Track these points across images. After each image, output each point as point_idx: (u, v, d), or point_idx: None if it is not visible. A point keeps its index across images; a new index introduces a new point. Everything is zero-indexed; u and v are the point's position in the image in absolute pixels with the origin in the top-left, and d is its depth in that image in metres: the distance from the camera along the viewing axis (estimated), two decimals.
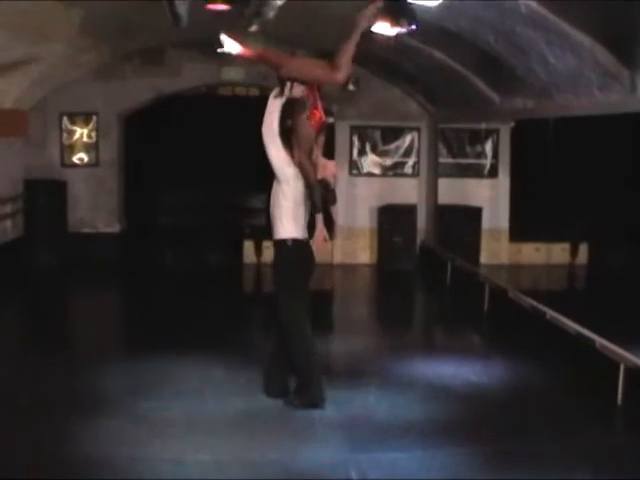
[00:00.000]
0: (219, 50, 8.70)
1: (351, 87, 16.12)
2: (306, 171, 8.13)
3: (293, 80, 8.22)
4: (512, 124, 17.01)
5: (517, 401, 9.02)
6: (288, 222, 8.21)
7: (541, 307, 11.09)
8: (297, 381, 8.52)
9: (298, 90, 8.25)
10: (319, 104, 8.29)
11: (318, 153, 8.34)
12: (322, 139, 8.43)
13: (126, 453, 7.19)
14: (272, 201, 8.31)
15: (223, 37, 8.51)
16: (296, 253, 8.29)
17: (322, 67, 8.33)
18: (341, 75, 8.08)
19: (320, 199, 8.16)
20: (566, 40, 9.00)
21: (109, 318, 13.41)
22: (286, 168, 8.15)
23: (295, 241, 8.24)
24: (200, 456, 7.17)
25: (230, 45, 8.50)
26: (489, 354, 11.05)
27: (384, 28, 9.89)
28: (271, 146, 8.15)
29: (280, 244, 8.32)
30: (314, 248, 8.31)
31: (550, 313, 10.75)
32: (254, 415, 8.21)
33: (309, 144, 8.22)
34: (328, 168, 8.36)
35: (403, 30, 9.59)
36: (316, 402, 8.34)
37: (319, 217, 8.27)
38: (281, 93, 8.21)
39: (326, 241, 8.42)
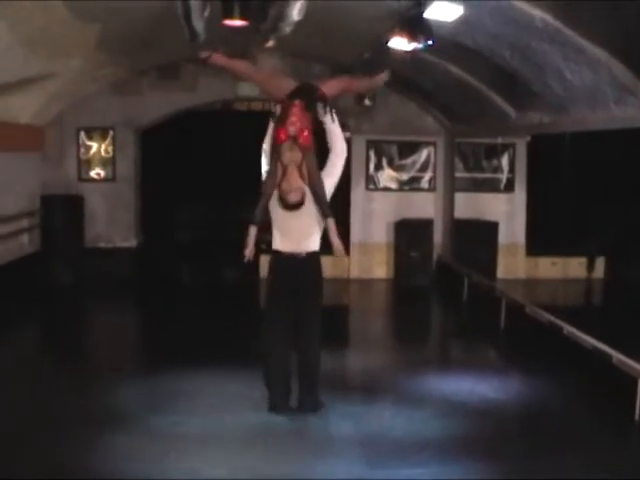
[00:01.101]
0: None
1: (367, 102, 16.14)
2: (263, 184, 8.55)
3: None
4: (528, 138, 16.99)
5: (534, 417, 9.00)
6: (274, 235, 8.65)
7: (558, 322, 11.05)
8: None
9: (277, 107, 8.65)
10: (292, 121, 8.38)
11: (291, 170, 8.36)
12: (293, 156, 8.38)
13: (141, 468, 7.21)
14: None
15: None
16: (274, 264, 8.67)
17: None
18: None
19: (259, 213, 8.48)
20: (582, 55, 8.99)
21: (125, 333, 13.42)
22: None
23: (276, 252, 8.61)
24: (215, 471, 7.17)
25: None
26: (506, 369, 11.03)
27: (401, 43, 9.93)
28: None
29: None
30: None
31: (567, 328, 10.72)
32: (270, 430, 8.21)
33: (273, 159, 8.48)
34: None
35: (420, 45, 9.63)
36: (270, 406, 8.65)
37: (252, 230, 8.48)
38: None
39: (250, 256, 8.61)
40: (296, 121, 8.33)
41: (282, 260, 8.55)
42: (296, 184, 8.29)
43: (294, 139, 8.33)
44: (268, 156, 8.65)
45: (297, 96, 8.44)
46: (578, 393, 9.68)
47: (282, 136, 8.35)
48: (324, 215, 8.42)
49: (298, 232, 8.45)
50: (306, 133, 8.37)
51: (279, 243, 8.56)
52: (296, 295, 8.52)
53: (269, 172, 8.48)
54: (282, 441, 7.97)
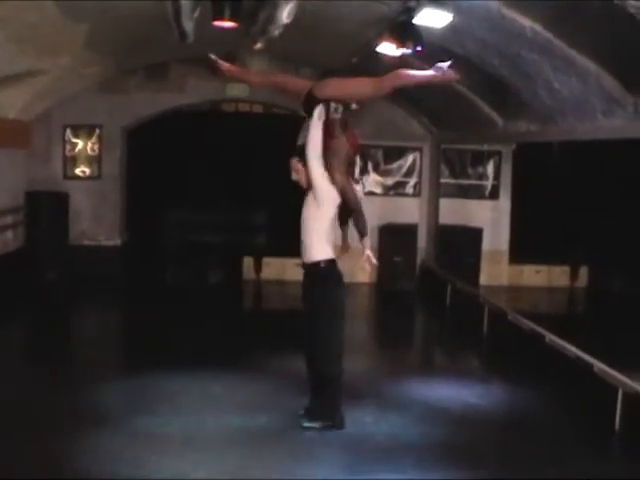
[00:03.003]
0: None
1: (354, 106, 16.12)
2: (350, 195, 8.33)
3: (331, 100, 8.38)
4: (514, 146, 17.03)
5: (515, 424, 9.02)
6: (323, 244, 8.33)
7: (540, 330, 11.08)
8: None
9: (338, 111, 8.41)
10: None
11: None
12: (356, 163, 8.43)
13: (124, 469, 7.19)
14: (306, 224, 8.33)
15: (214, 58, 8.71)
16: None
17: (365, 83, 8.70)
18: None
19: (364, 225, 8.45)
20: (571, 65, 9.03)
21: (108, 332, 13.38)
22: (328, 187, 8.26)
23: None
24: (198, 473, 7.17)
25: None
26: (488, 376, 11.05)
27: (390, 49, 9.96)
28: (316, 165, 8.26)
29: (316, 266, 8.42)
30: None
31: (549, 336, 10.75)
32: (253, 433, 8.21)
33: (345, 166, 8.32)
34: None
35: (408, 51, 9.65)
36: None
37: (366, 242, 8.45)
38: (326, 114, 8.32)
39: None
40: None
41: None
42: None
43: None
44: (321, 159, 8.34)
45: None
46: (559, 401, 9.70)
47: (356, 144, 8.52)
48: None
49: None
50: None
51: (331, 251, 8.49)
52: None
53: (347, 182, 8.35)
54: (264, 444, 7.97)
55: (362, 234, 8.35)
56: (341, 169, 8.27)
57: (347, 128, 8.39)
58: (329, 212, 8.27)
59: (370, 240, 16.83)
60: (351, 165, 8.41)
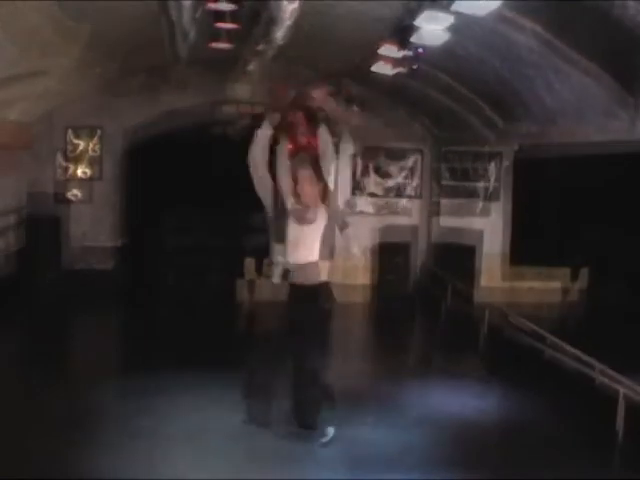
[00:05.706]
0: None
1: (355, 108, 16.15)
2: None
3: None
4: (515, 147, 17.03)
5: (515, 430, 9.03)
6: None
7: (541, 331, 11.08)
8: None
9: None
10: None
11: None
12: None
13: (125, 470, 7.20)
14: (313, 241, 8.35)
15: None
16: None
17: None
18: None
19: None
20: (572, 67, 9.06)
21: (110, 333, 13.40)
22: None
23: None
24: (199, 475, 7.20)
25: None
26: (488, 381, 11.01)
27: (391, 51, 9.98)
28: None
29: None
30: None
31: (550, 338, 10.74)
32: (254, 435, 8.21)
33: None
34: None
35: (410, 53, 9.68)
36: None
37: None
38: None
39: None
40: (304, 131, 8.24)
41: None
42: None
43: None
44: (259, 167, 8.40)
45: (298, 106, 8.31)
46: (560, 407, 9.67)
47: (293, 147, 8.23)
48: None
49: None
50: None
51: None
52: None
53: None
54: (266, 446, 7.98)
55: None
56: None
57: None
58: None
59: (371, 241, 17.18)
60: None
